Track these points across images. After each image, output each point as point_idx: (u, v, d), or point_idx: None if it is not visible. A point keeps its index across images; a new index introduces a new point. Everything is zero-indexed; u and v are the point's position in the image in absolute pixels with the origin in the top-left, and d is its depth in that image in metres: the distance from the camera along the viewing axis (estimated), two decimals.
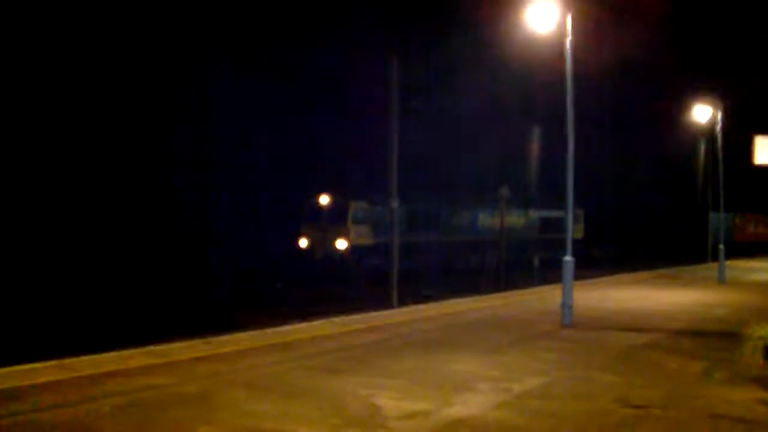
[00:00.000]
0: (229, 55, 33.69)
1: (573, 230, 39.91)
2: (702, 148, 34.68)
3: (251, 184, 34.69)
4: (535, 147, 44.44)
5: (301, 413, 6.90)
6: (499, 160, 40.19)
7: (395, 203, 18.22)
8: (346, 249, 28.32)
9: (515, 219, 36.01)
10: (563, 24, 12.96)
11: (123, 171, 30.45)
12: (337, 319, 13.45)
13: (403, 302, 17.25)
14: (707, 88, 26.74)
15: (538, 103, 40.28)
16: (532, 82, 37.12)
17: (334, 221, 28.71)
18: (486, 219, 34.74)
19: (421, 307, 15.87)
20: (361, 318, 13.81)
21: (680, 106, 30.91)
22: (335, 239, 28.41)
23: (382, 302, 17.00)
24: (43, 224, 27.10)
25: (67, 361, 9.08)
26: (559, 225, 38.73)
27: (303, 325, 12.98)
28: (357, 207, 29.03)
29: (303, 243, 29.40)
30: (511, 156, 41.14)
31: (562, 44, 13.16)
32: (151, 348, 10.12)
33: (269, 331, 12.01)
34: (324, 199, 29.34)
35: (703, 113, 24.96)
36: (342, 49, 37.21)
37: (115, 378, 8.22)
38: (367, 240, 28.89)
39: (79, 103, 29.60)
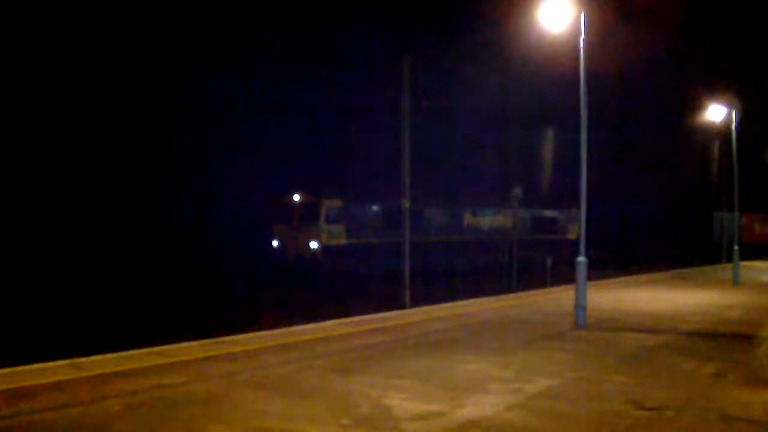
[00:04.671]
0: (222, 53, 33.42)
1: (568, 231, 40.08)
2: (716, 147, 34.40)
3: (223, 183, 33.83)
4: (546, 148, 44.32)
5: (311, 413, 6.88)
6: (496, 159, 39.95)
7: (407, 203, 18.02)
8: (319, 250, 27.08)
9: (503, 218, 34.93)
10: (577, 23, 12.89)
11: (118, 171, 30.31)
12: (347, 320, 13.43)
13: (414, 303, 17.17)
14: (719, 89, 26.61)
15: (540, 102, 40.23)
16: (538, 81, 37.02)
17: (307, 221, 27.38)
18: (471, 219, 33.74)
19: (433, 307, 15.81)
20: (372, 318, 13.79)
21: (691, 105, 30.78)
22: (307, 239, 27.16)
23: (393, 303, 16.94)
24: (50, 227, 27.17)
25: (77, 361, 9.12)
26: (552, 225, 38.25)
27: (313, 325, 12.95)
28: (330, 205, 27.68)
29: (274, 243, 28.12)
30: (508, 155, 40.81)
31: (574, 44, 13.09)
32: (161, 348, 10.15)
33: (279, 331, 12.01)
34: (295, 198, 27.88)
35: (717, 113, 24.80)
36: (343, 50, 37.15)
37: (126, 378, 8.24)
38: (341, 240, 27.65)
39: (75, 105, 29.55)
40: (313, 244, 27.16)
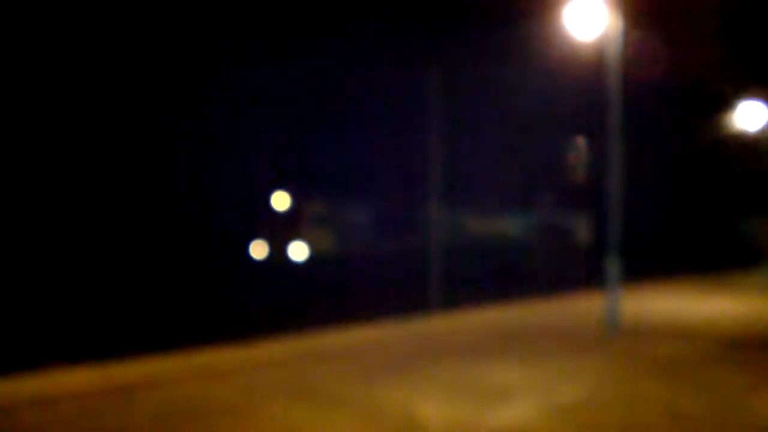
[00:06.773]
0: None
1: (577, 236, 38.48)
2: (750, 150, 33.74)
3: (205, 183, 32.42)
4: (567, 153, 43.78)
5: (338, 422, 6.81)
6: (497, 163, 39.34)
7: (434, 209, 17.79)
8: (303, 257, 25.00)
9: (507, 224, 33.27)
10: (607, 30, 12.75)
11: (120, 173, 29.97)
12: (370, 327, 13.34)
13: (437, 310, 16.99)
14: (749, 95, 26.15)
15: (562, 108, 39.69)
16: (562, 87, 36.55)
17: (289, 225, 25.27)
18: (476, 224, 31.81)
19: (457, 314, 15.67)
20: (399, 325, 13.68)
21: (721, 108, 30.28)
22: (290, 246, 25.07)
23: (420, 309, 16.78)
24: (62, 231, 27.04)
25: (102, 369, 9.13)
26: (563, 230, 37.40)
27: (339, 332, 12.88)
28: (315, 209, 25.70)
29: (254, 250, 25.92)
30: (515, 159, 40.13)
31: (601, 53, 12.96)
32: (187, 356, 10.13)
33: (304, 339, 11.96)
34: (278, 201, 25.79)
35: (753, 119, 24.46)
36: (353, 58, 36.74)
37: (151, 387, 8.23)
38: (328, 247, 25.69)
39: (76, 105, 29.39)
40: (297, 251, 25.17)
